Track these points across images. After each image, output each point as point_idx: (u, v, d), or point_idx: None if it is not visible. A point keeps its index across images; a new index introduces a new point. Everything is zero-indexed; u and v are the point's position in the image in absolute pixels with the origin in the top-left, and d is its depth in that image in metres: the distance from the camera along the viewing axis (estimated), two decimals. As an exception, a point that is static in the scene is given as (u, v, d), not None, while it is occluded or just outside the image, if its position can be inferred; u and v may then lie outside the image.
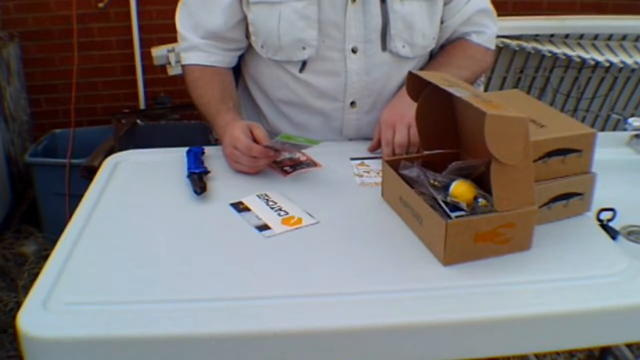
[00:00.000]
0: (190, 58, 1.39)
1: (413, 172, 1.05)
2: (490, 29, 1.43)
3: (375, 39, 1.32)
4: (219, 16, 1.34)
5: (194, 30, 1.37)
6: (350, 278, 0.94)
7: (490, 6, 1.43)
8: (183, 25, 1.39)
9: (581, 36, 2.48)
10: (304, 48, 1.31)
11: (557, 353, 2.05)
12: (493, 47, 1.46)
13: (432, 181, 1.03)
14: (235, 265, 0.98)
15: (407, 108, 1.21)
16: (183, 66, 1.42)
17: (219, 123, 1.30)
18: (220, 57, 1.39)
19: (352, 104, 1.38)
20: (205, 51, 1.38)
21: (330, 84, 1.35)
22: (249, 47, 1.40)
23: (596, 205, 1.10)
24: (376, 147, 1.33)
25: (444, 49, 1.44)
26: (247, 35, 1.38)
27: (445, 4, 1.37)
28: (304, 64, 1.33)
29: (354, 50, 1.32)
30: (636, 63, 2.42)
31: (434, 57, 1.45)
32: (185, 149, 1.33)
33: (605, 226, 1.10)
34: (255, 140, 1.21)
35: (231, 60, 1.42)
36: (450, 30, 1.41)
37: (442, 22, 1.39)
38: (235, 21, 1.35)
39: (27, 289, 1.55)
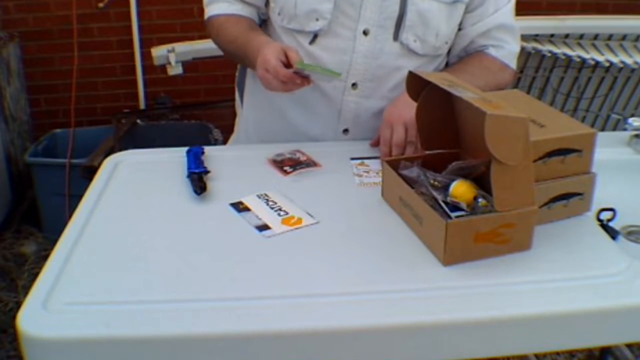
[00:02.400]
0: (213, 10, 1.44)
1: (413, 172, 1.05)
2: (509, 45, 1.41)
3: (389, 26, 1.33)
4: None
5: None
6: (350, 278, 0.94)
7: (514, 23, 1.41)
8: None
9: (581, 36, 2.48)
10: (317, 19, 1.32)
11: (557, 353, 2.05)
12: (513, 65, 1.44)
13: (432, 181, 1.03)
14: (235, 265, 0.98)
15: (408, 107, 1.20)
16: (206, 21, 1.46)
17: (252, 47, 1.31)
18: (241, 7, 1.43)
19: (354, 85, 1.38)
20: (227, 1, 1.42)
21: (336, 60, 1.36)
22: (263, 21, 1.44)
23: (596, 205, 1.10)
24: (376, 143, 1.34)
25: (461, 59, 1.44)
26: (266, 4, 1.42)
27: (469, 11, 1.36)
28: (315, 37, 1.35)
29: (365, 32, 1.33)
30: (636, 63, 2.42)
31: (449, 65, 1.45)
32: (185, 149, 1.33)
33: (605, 226, 1.10)
34: (289, 64, 1.23)
35: (252, 13, 1.45)
36: (468, 38, 1.40)
37: (462, 29, 1.39)
38: None
39: (27, 289, 1.55)
